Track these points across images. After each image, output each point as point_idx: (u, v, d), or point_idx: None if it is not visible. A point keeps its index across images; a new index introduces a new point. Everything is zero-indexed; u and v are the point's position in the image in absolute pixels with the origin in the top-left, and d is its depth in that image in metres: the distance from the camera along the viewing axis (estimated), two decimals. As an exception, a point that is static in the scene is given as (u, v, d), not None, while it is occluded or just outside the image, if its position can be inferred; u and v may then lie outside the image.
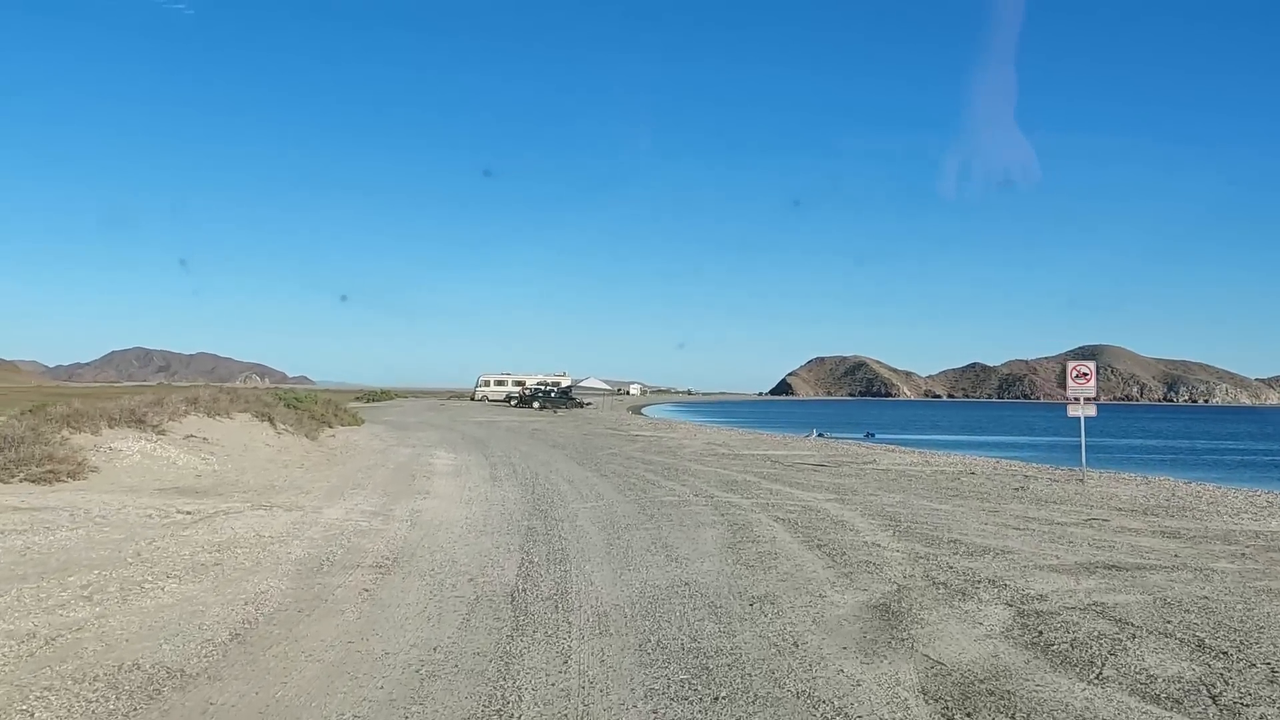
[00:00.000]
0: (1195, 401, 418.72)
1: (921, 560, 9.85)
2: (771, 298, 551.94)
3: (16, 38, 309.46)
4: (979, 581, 8.86)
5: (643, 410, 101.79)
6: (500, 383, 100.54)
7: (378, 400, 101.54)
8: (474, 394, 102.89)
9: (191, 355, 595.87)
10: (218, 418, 21.54)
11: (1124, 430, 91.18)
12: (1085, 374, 19.85)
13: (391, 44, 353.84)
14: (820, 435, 62.87)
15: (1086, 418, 19.34)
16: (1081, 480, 19.36)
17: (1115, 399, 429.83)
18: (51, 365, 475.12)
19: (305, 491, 15.48)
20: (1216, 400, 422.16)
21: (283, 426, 22.82)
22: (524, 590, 8.71)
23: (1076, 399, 19.55)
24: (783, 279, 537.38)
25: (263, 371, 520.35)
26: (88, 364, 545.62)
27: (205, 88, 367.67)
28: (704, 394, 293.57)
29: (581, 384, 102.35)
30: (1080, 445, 19.62)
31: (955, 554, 10.24)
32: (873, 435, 66.77)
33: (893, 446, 34.31)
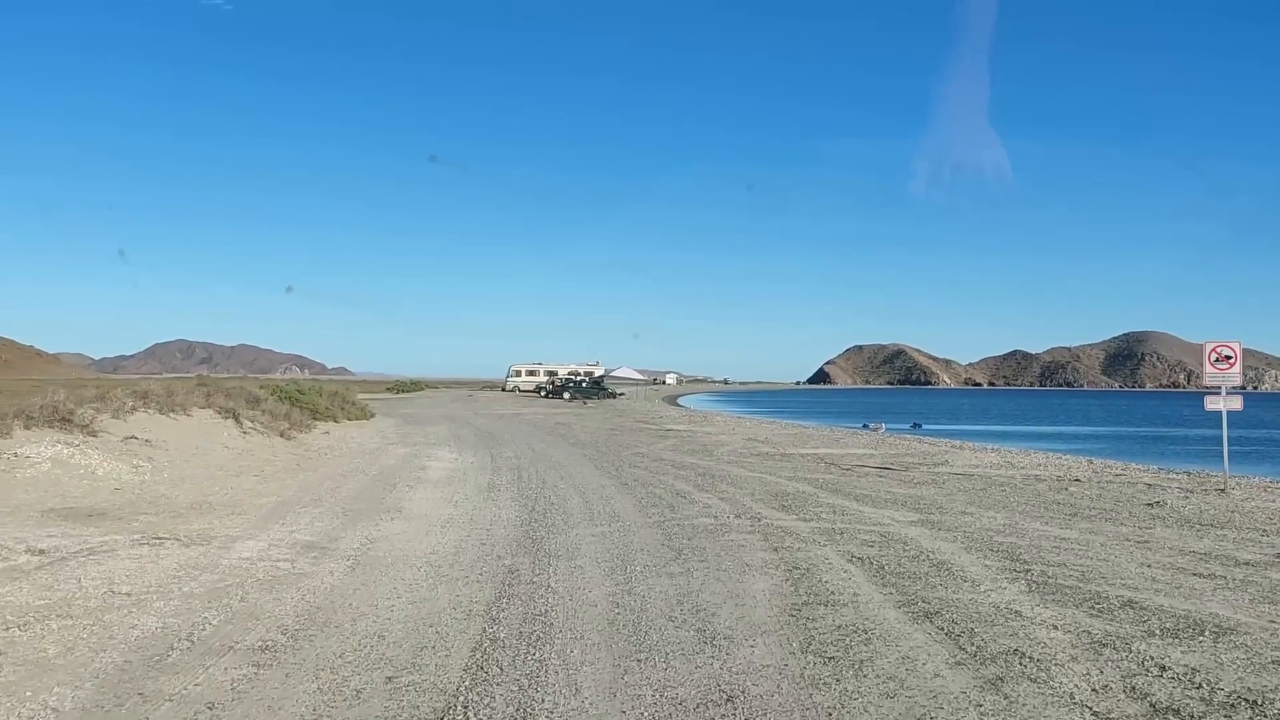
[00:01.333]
0: (1244, 388, 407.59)
1: (1104, 651, 6.21)
2: (809, 286, 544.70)
3: (61, 36, 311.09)
4: (1235, 707, 5.24)
5: (678, 401, 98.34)
6: (531, 373, 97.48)
7: (407, 391, 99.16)
8: (505, 385, 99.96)
9: (233, 347, 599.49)
10: (174, 415, 18.29)
11: (1188, 417, 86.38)
12: (1229, 357, 16.01)
13: (390, 36, 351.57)
14: (866, 427, 59.35)
15: (1227, 410, 15.51)
16: (1223, 490, 15.57)
17: (1162, 386, 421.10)
18: (97, 358, 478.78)
19: (238, 512, 12.11)
20: (1266, 386, 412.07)
21: (250, 425, 19.53)
22: (464, 706, 5.27)
23: (1217, 388, 15.75)
24: (819, 268, 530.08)
25: (302, 363, 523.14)
26: (131, 356, 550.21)
27: (245, 83, 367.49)
28: (741, 383, 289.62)
29: (614, 374, 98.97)
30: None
31: (1148, 635, 6.60)
32: (920, 426, 62.81)
33: (957, 442, 30.52)
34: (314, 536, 10.62)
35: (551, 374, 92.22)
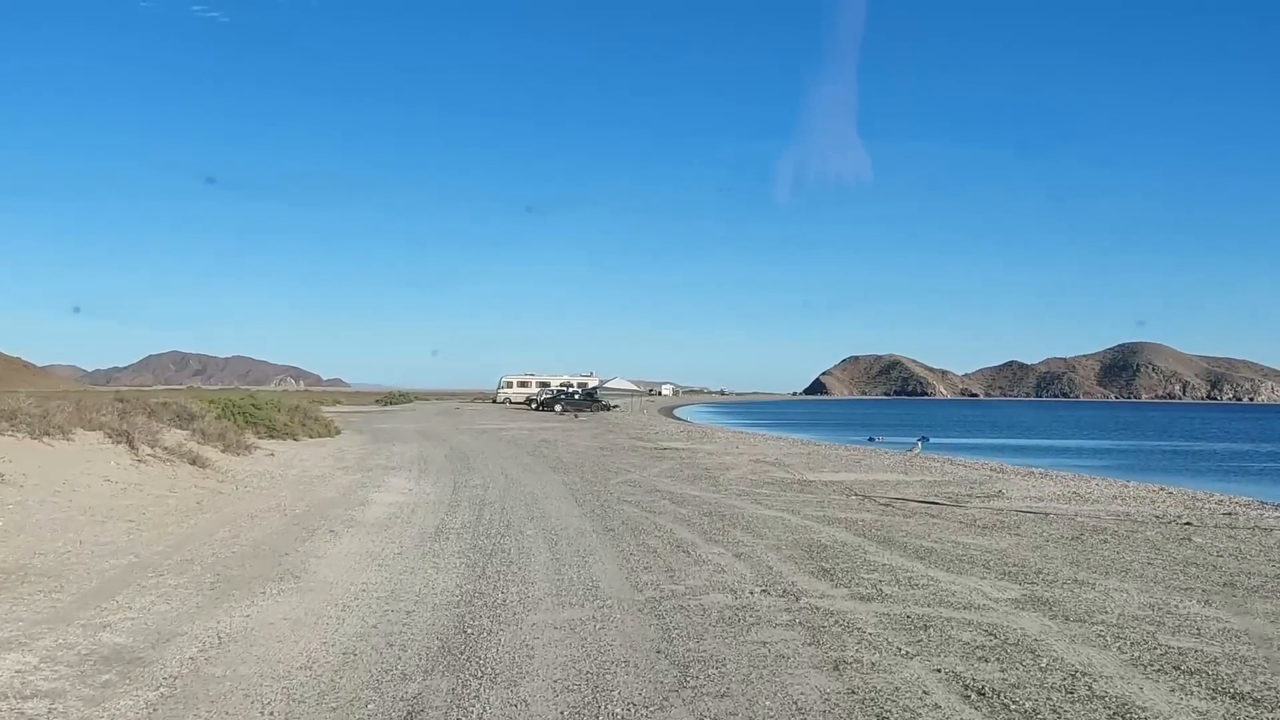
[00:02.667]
0: (1240, 399, 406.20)
1: None
2: (804, 296, 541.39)
3: (55, 44, 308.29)
4: None
5: (674, 413, 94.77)
6: (523, 384, 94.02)
7: (395, 403, 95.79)
8: (496, 396, 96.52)
9: (227, 359, 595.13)
10: (47, 439, 14.68)
11: (1197, 430, 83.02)
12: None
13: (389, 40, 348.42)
14: (872, 441, 55.71)
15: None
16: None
17: (1157, 397, 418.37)
18: (90, 369, 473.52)
19: (57, 585, 8.52)
20: (1262, 398, 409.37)
21: (150, 451, 15.90)
22: None
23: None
24: (813, 278, 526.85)
25: (297, 374, 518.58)
26: (125, 368, 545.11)
27: (237, 92, 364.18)
28: (737, 394, 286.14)
29: (608, 385, 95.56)
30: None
31: None
32: (927, 440, 59.41)
33: (995, 463, 26.77)
34: (134, 634, 7.06)
35: (544, 385, 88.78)
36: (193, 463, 16.40)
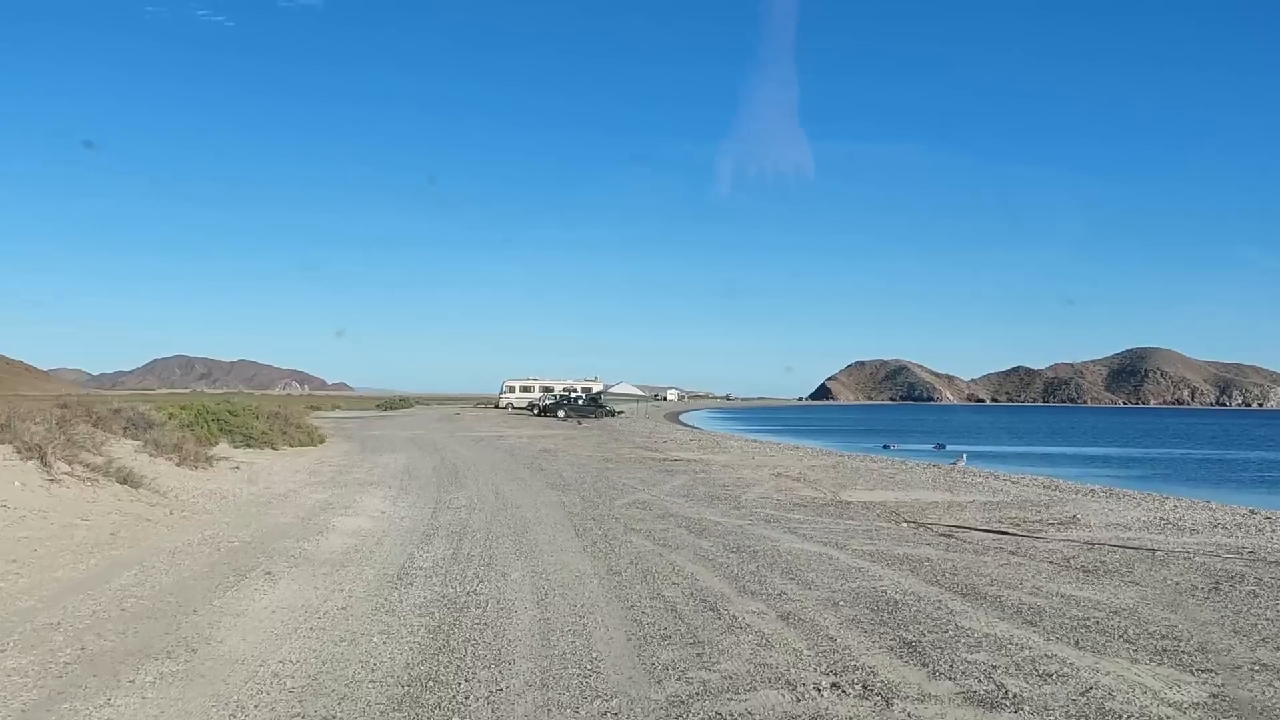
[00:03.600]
0: (1249, 405, 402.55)
1: None
2: (808, 301, 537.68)
3: (63, 49, 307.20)
4: None
5: (680, 418, 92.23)
6: (526, 389, 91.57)
7: (395, 408, 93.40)
8: (498, 401, 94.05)
9: (232, 362, 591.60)
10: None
11: (1218, 436, 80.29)
12: None
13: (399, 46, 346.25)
14: (888, 449, 53.12)
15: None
16: None
17: (1165, 403, 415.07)
18: (95, 373, 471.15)
19: None
20: (1271, 404, 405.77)
21: (65, 469, 13.35)
22: None
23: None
24: (819, 282, 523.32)
25: (302, 378, 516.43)
26: (130, 371, 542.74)
27: (246, 97, 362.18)
28: (742, 399, 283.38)
29: (613, 389, 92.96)
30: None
31: None
32: (944, 447, 56.90)
33: (1053, 480, 23.89)
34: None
35: (547, 390, 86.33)
36: (123, 481, 13.87)
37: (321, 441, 32.25)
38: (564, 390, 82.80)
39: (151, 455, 19.17)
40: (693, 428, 65.58)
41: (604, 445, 34.27)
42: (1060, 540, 12.49)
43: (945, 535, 12.78)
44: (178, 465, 19.02)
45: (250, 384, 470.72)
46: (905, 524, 13.90)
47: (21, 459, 12.80)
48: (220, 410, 29.38)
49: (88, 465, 13.56)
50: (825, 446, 45.63)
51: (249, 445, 27.43)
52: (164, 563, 10.19)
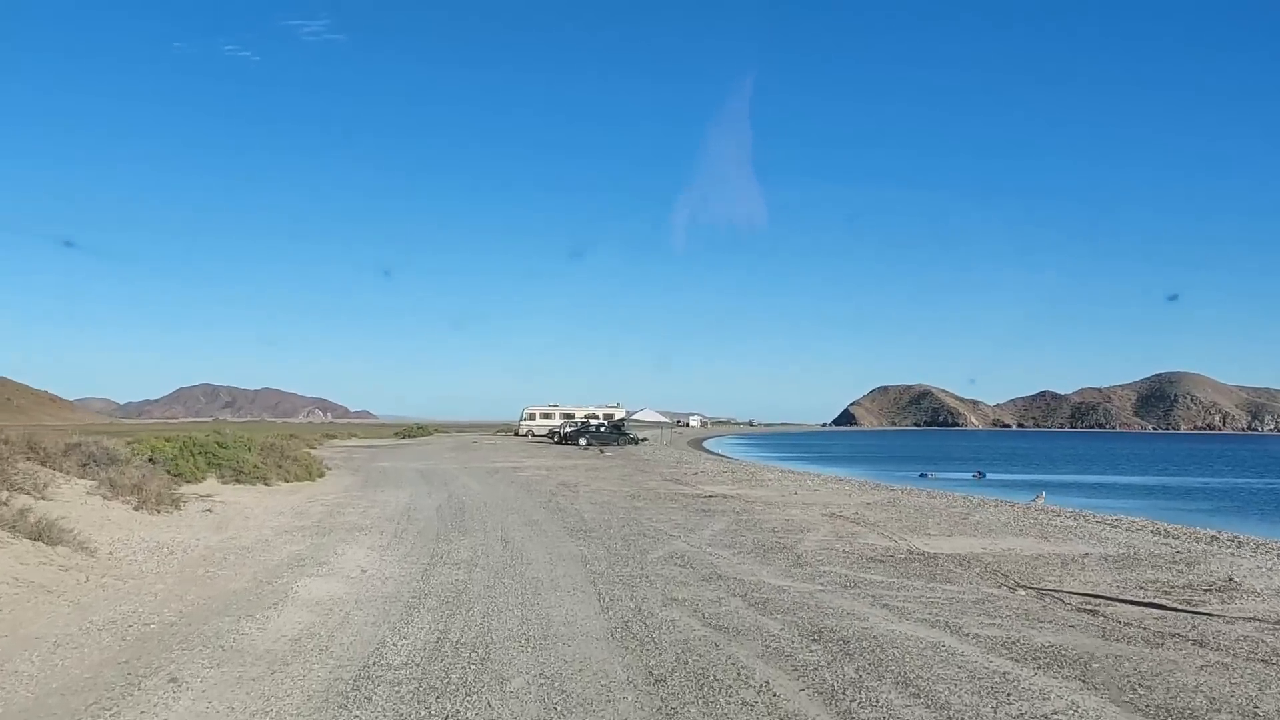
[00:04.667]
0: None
1: None
2: (830, 325, 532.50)
3: (94, 83, 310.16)
4: None
5: (704, 445, 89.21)
6: (546, 415, 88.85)
7: (413, 436, 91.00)
8: (518, 428, 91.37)
9: (256, 391, 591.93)
10: None
11: (1277, 464, 76.38)
12: None
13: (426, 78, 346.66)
14: (924, 477, 49.99)
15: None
16: None
17: (1197, 428, 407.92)
18: (122, 402, 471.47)
19: None
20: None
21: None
22: None
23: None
24: (843, 307, 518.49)
25: (325, 406, 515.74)
26: (156, 400, 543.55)
27: (266, 130, 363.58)
28: (765, 425, 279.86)
29: (636, 416, 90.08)
30: None
31: None
32: (984, 475, 53.76)
33: (1149, 521, 20.66)
34: None
35: (568, 416, 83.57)
36: (36, 537, 11.09)
37: (320, 475, 29.52)
38: (585, 417, 80.00)
39: (106, 498, 16.47)
40: (721, 456, 62.59)
41: (629, 478, 31.36)
42: (1241, 618, 9.50)
43: (1085, 610, 9.79)
44: (135, 509, 16.28)
45: (274, 412, 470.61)
46: (1022, 590, 10.92)
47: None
48: (209, 442, 26.62)
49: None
50: (859, 476, 42.65)
51: (239, 480, 24.72)
52: (35, 663, 7.39)
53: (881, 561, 13.16)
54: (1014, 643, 8.27)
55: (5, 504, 12.23)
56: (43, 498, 15.14)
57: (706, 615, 9.39)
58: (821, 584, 11.25)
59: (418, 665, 7.59)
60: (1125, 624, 9.15)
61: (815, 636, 8.50)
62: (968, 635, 8.56)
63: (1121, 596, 10.57)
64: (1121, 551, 14.56)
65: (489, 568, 12.35)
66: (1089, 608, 9.91)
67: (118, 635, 8.37)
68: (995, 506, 23.08)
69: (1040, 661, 7.63)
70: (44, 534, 11.20)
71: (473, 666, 7.55)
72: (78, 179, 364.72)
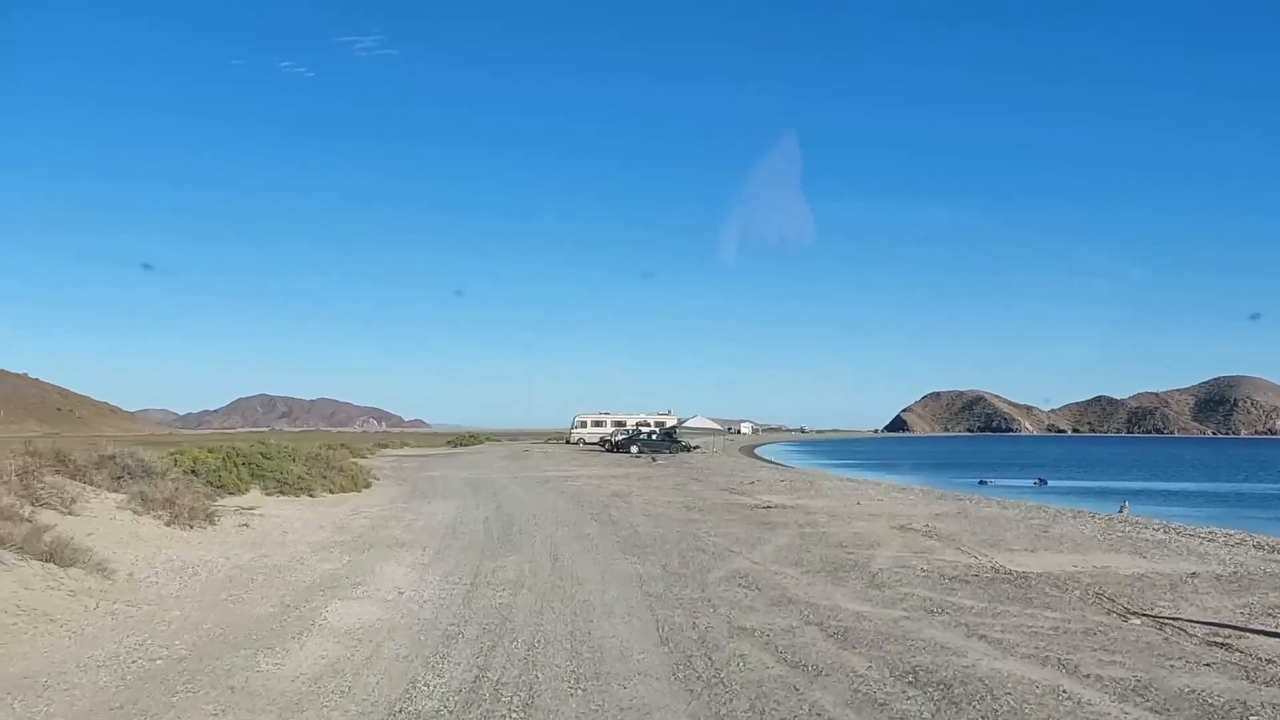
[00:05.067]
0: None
1: None
2: (884, 331, 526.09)
3: (154, 102, 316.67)
4: None
5: (756, 452, 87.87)
6: (598, 423, 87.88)
7: (464, 445, 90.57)
8: (569, 436, 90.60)
9: (312, 401, 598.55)
10: None
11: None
12: None
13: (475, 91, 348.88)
14: (984, 484, 48.27)
15: None
16: None
17: (1258, 433, 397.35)
18: (182, 413, 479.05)
19: None
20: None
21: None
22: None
23: None
24: (895, 314, 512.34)
25: (380, 415, 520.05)
26: (215, 411, 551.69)
27: (320, 144, 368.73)
28: (817, 432, 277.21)
29: (688, 423, 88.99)
30: None
31: None
32: (1045, 483, 51.94)
33: (1247, 535, 19.21)
34: None
35: (619, 424, 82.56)
36: (47, 558, 10.24)
37: (367, 486, 28.74)
38: (637, 424, 78.94)
39: (136, 512, 15.70)
40: (774, 463, 61.25)
41: (683, 487, 30.26)
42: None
43: (1215, 644, 8.52)
44: (167, 525, 15.49)
45: (329, 421, 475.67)
46: (1135, 618, 9.66)
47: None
48: (252, 453, 25.96)
49: (-6, 538, 9.94)
50: (917, 483, 41.17)
51: (283, 492, 24.01)
52: (15, 711, 6.47)
53: (966, 582, 11.94)
54: (1146, 687, 7.07)
55: (26, 519, 11.43)
56: (70, 513, 14.42)
57: (780, 649, 8.28)
58: (905, 609, 10.08)
59: (451, 713, 6.58)
60: (1268, 661, 7.89)
61: (910, 678, 7.36)
62: (1088, 676, 7.37)
63: (1250, 626, 9.29)
64: (1231, 570, 13.18)
65: (536, 589, 11.33)
66: (1218, 640, 8.65)
67: (117, 673, 7.45)
68: (1074, 517, 21.64)
69: (1188, 714, 6.43)
70: (56, 555, 10.35)
71: (514, 714, 6.52)
72: (144, 195, 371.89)
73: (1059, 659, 7.93)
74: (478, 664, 7.88)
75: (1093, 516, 22.08)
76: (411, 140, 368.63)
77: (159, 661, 7.84)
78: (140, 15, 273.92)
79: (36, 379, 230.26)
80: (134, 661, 7.80)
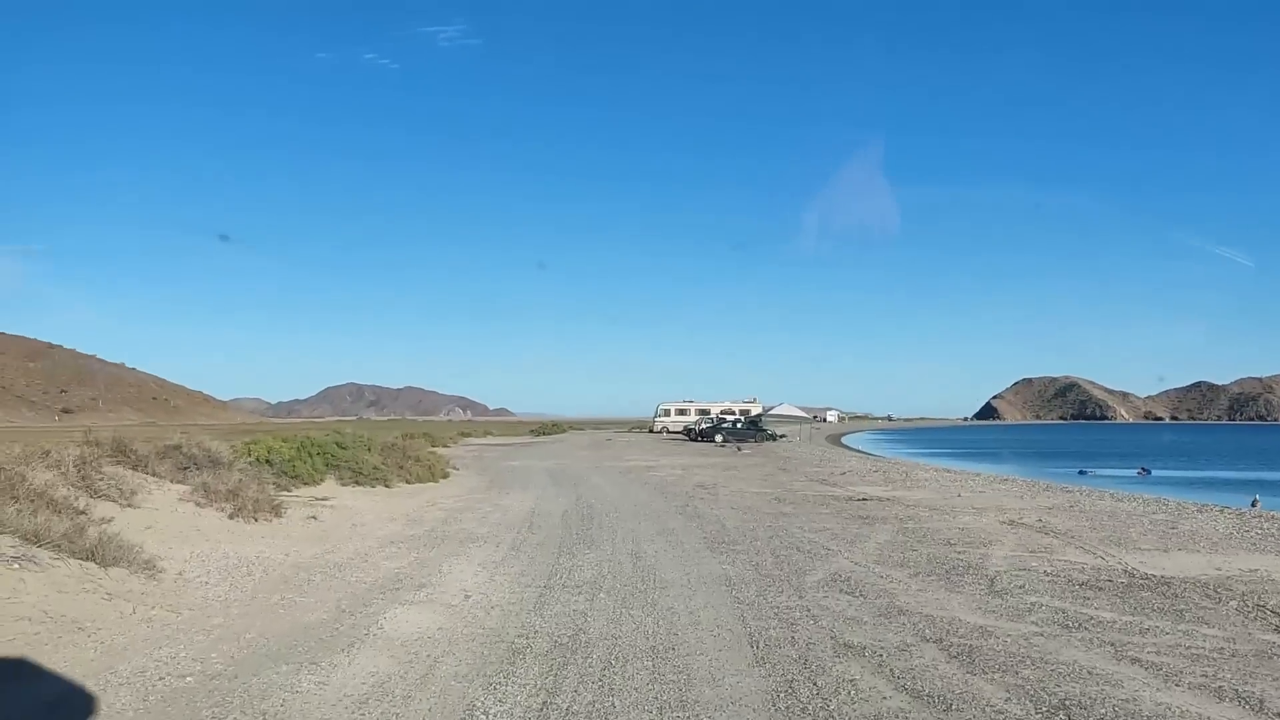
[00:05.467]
0: None
1: None
2: (975, 318, 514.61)
3: (238, 100, 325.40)
4: None
5: (843, 441, 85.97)
6: (681, 412, 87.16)
7: (546, 434, 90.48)
8: (653, 425, 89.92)
9: (399, 389, 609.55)
10: None
11: None
12: None
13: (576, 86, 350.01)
14: (1084, 474, 46.04)
15: None
16: None
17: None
18: (274, 402, 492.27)
19: None
20: None
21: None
22: None
23: None
24: (986, 300, 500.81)
25: (465, 404, 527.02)
26: (305, 400, 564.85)
27: (410, 136, 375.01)
28: (904, 420, 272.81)
29: (773, 411, 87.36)
30: None
31: None
32: (1149, 472, 49.37)
33: None
34: None
35: (703, 413, 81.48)
36: (87, 557, 9.47)
37: (445, 476, 28.08)
38: (721, 413, 77.72)
39: (199, 504, 15.03)
40: (864, 453, 59.46)
41: (771, 477, 29.00)
42: None
43: None
44: (230, 517, 14.80)
45: (416, 410, 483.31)
46: (1314, 638, 8.22)
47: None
48: (327, 443, 25.40)
49: (29, 538, 9.17)
50: (1013, 473, 39.21)
51: (358, 482, 23.41)
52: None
53: (1099, 588, 10.55)
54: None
55: (80, 512, 10.72)
56: (129, 505, 13.77)
57: (896, 673, 7.07)
58: (1035, 623, 8.77)
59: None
60: None
61: (1062, 715, 6.10)
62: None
63: None
64: None
65: (615, 593, 10.27)
66: None
67: (139, 694, 6.56)
68: (1200, 511, 19.86)
69: None
70: (97, 553, 9.58)
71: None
72: (239, 189, 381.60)
73: (1236, 691, 6.60)
74: (545, 686, 6.85)
75: (1221, 511, 20.23)
76: (500, 130, 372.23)
77: (189, 679, 6.94)
78: (231, 12, 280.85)
79: (134, 369, 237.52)
80: (161, 679, 6.92)
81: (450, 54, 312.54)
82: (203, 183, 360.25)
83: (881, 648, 7.79)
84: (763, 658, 7.51)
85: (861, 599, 9.88)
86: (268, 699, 6.53)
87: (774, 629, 8.49)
